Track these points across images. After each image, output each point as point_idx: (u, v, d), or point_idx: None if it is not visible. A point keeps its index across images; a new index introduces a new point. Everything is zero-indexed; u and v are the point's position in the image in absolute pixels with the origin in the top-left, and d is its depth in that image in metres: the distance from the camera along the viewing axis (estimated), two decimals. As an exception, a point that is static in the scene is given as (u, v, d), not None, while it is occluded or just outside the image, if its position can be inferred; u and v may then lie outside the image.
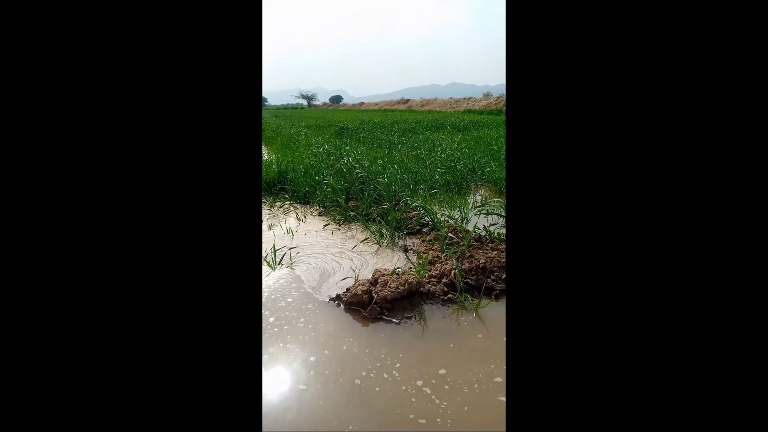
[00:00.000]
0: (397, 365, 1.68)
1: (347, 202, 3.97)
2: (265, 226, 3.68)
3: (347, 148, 7.18)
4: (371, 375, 1.62)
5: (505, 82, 0.74)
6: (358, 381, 1.59)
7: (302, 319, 2.07)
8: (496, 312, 2.07)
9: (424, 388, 1.54)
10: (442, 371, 1.63)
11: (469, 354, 1.75)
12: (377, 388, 1.55)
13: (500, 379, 1.59)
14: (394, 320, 2.04)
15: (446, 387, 1.55)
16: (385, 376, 1.61)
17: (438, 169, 5.18)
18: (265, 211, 4.17)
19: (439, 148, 7.05)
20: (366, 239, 3.21)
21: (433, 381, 1.57)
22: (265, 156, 7.32)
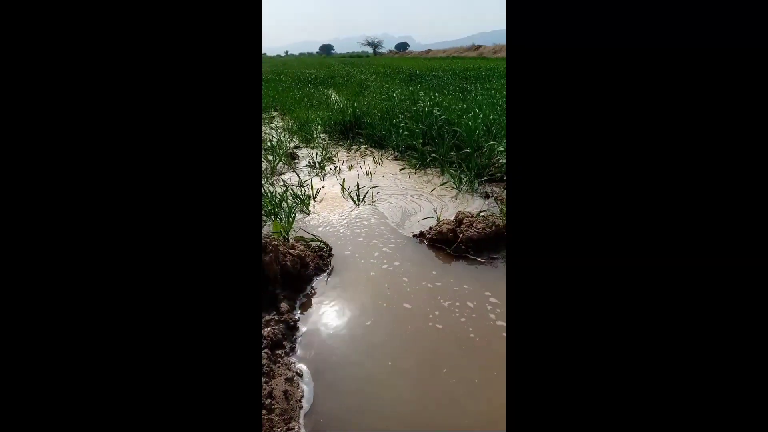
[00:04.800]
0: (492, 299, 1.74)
1: (423, 146, 3.92)
2: (345, 167, 3.81)
3: (420, 93, 6.94)
4: (468, 304, 1.71)
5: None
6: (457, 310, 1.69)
7: (389, 249, 2.18)
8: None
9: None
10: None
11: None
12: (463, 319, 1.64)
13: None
14: (479, 259, 2.07)
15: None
16: (472, 306, 1.69)
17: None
18: (343, 154, 4.29)
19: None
20: (444, 184, 3.19)
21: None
22: (339, 101, 7.37)
